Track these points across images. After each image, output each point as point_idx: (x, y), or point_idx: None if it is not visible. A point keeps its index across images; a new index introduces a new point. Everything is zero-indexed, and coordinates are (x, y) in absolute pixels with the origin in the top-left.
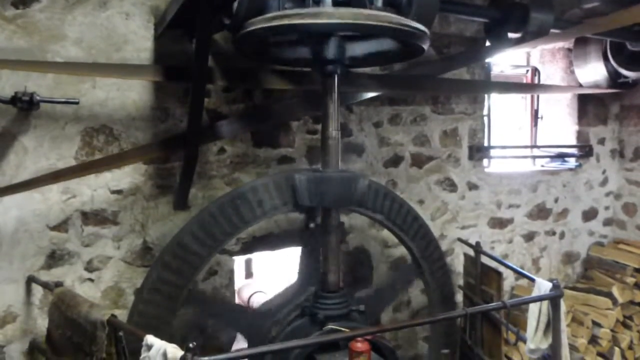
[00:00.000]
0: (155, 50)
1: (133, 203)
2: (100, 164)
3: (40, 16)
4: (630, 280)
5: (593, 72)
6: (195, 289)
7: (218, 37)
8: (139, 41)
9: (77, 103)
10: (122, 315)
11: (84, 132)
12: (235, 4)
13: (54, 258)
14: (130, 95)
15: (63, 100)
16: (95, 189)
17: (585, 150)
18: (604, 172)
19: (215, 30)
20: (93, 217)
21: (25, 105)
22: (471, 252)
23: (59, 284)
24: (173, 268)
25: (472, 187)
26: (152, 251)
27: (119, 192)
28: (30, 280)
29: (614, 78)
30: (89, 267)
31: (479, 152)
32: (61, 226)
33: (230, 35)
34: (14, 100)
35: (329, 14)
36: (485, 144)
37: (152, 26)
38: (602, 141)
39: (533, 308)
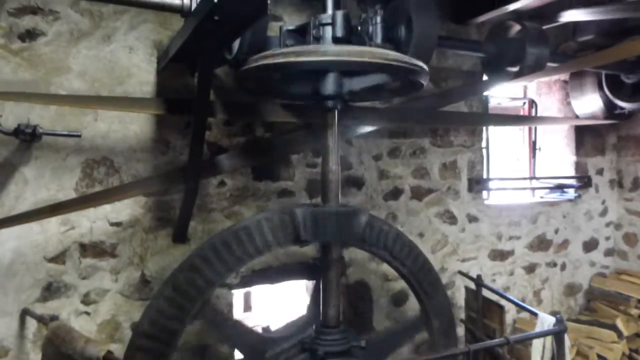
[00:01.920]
0: (158, 84)
1: (132, 235)
2: (100, 197)
3: (46, 49)
4: (635, 312)
5: (589, 103)
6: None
7: (219, 71)
8: (141, 74)
9: (79, 136)
10: (118, 350)
11: (84, 164)
12: (238, 41)
13: (50, 290)
14: (132, 127)
15: (65, 132)
16: (94, 220)
17: (584, 181)
18: (603, 202)
19: (217, 65)
20: (91, 249)
21: (27, 138)
22: (472, 285)
23: (54, 318)
24: (172, 302)
25: (472, 219)
26: (150, 284)
27: (118, 224)
28: (25, 314)
29: (610, 109)
30: (86, 300)
31: (478, 184)
32: (59, 258)
33: (232, 70)
34: (17, 132)
35: (323, 52)
36: (485, 176)
37: (155, 60)
38: (600, 171)
39: (537, 343)
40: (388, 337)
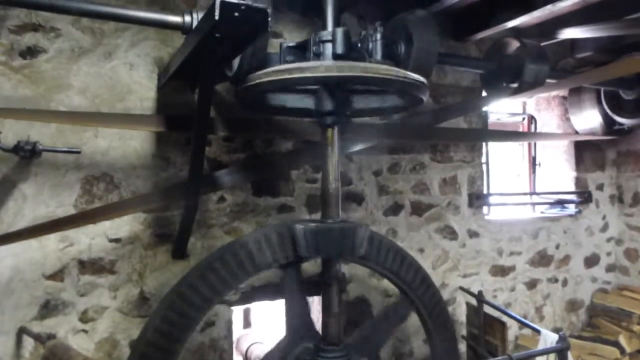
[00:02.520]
0: (158, 100)
1: (131, 252)
2: (100, 213)
3: (47, 66)
4: (637, 328)
5: (588, 119)
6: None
7: (220, 87)
8: (142, 91)
9: (79, 152)
10: None
11: (84, 180)
12: (238, 58)
13: (48, 308)
14: (132, 143)
15: (65, 149)
16: (93, 237)
17: (584, 196)
18: (604, 217)
19: (217, 81)
20: (90, 265)
21: (27, 154)
22: (473, 301)
23: (51, 336)
24: (171, 319)
25: (473, 234)
26: (149, 301)
27: (117, 240)
28: (22, 332)
29: (609, 125)
30: (84, 318)
31: (478, 199)
32: (57, 275)
33: (232, 87)
34: (16, 149)
35: (325, 68)
36: (485, 191)
37: (156, 76)
38: (600, 187)
39: None
40: (374, 330)
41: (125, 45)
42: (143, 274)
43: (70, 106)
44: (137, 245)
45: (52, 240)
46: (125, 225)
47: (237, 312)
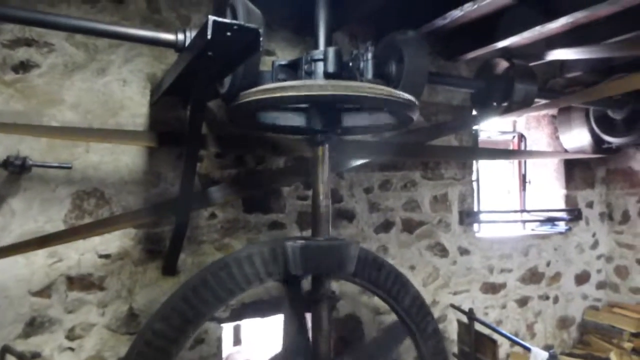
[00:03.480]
0: (151, 116)
1: (121, 268)
2: (90, 228)
3: (39, 81)
4: (628, 345)
5: (577, 138)
6: None
7: (212, 104)
8: (135, 107)
9: (69, 168)
10: None
11: (74, 195)
12: (231, 75)
13: (34, 326)
14: (124, 159)
15: (56, 164)
16: (82, 252)
17: (574, 214)
18: (594, 235)
19: (210, 98)
20: (78, 282)
21: (16, 170)
22: (464, 319)
23: (35, 355)
24: (161, 336)
25: (464, 252)
26: (138, 318)
27: (106, 256)
28: (5, 351)
29: (598, 143)
30: (70, 335)
31: (469, 217)
32: (44, 291)
33: (224, 104)
34: (6, 164)
35: (318, 87)
36: (475, 208)
37: (149, 92)
38: (590, 204)
39: None
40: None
41: (118, 61)
42: (132, 290)
43: (62, 121)
44: (127, 261)
45: (40, 256)
46: (115, 241)
47: (227, 329)
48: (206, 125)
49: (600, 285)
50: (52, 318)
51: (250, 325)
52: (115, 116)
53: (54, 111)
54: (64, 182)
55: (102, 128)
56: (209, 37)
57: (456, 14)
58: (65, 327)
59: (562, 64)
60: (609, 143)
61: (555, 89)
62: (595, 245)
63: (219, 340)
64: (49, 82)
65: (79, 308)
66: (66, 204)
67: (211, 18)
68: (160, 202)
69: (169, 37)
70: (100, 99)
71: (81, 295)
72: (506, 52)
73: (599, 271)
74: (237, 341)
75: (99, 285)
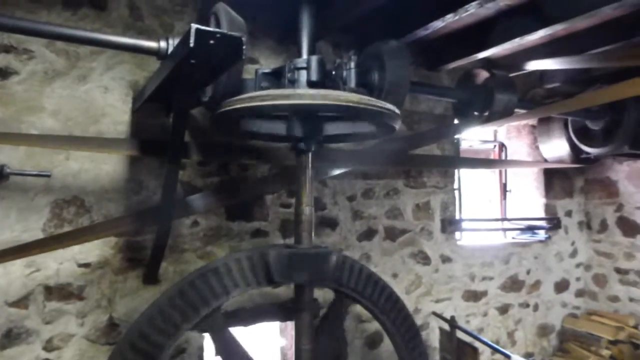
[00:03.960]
0: (133, 123)
1: (101, 277)
2: (69, 237)
3: (18, 88)
4: (606, 352)
5: (556, 148)
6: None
7: (195, 111)
8: (116, 114)
9: (48, 176)
10: None
11: (54, 204)
12: (214, 84)
13: (10, 337)
14: (105, 167)
15: (35, 172)
16: (61, 262)
17: (553, 223)
18: (572, 243)
19: (192, 106)
20: (57, 291)
21: None
22: (446, 327)
23: None
24: (140, 347)
25: (446, 259)
26: (118, 328)
27: (86, 265)
28: None
29: (576, 154)
30: (48, 347)
31: (451, 225)
32: (21, 302)
33: (207, 111)
34: None
35: (298, 96)
36: (457, 216)
37: (131, 100)
38: (569, 213)
39: None
40: None
41: (100, 68)
42: (113, 299)
43: (42, 128)
44: (107, 270)
45: (17, 266)
46: (95, 249)
47: (209, 338)
48: (189, 133)
49: (579, 294)
50: (30, 329)
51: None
52: (97, 123)
53: (34, 119)
54: (43, 190)
55: (83, 136)
56: (191, 45)
57: (438, 24)
58: (43, 338)
59: (542, 75)
60: (587, 153)
61: (535, 100)
62: (574, 253)
63: (200, 350)
64: (28, 89)
65: (57, 318)
66: (45, 213)
67: (194, 26)
68: (142, 210)
69: (151, 44)
70: (81, 106)
71: (60, 305)
72: (487, 63)
73: (577, 279)
74: None
75: (78, 295)
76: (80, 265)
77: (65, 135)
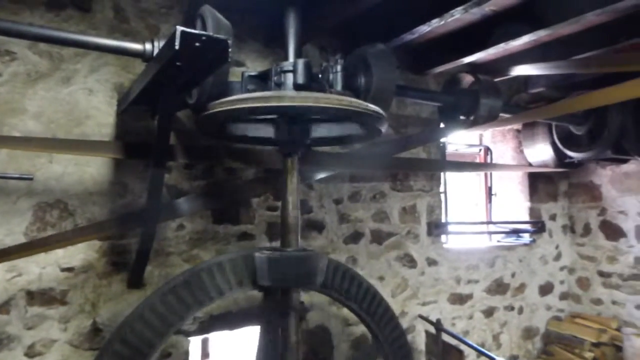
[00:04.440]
0: (117, 126)
1: (84, 281)
2: (52, 241)
3: (0, 90)
4: (589, 355)
5: (541, 152)
6: None
7: (181, 114)
8: (101, 116)
9: (31, 179)
10: None
11: (36, 207)
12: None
13: None
14: (89, 170)
15: (17, 176)
16: (44, 266)
17: (538, 226)
18: (557, 247)
19: (178, 109)
20: (39, 296)
21: None
22: (432, 330)
23: None
24: (124, 352)
25: (432, 262)
26: (102, 332)
27: (70, 269)
28: None
29: (560, 158)
30: (30, 352)
31: (437, 228)
32: (2, 307)
33: (193, 114)
34: None
35: (283, 98)
36: (443, 220)
37: (115, 102)
38: (553, 217)
39: None
40: None
41: (84, 70)
42: (96, 304)
43: (24, 131)
44: (91, 274)
45: None
46: (79, 253)
47: (195, 342)
48: (175, 135)
49: (563, 296)
50: (11, 335)
51: (218, 338)
52: (81, 126)
53: (15, 121)
54: (25, 193)
55: (66, 138)
56: (177, 47)
57: (424, 29)
58: (25, 343)
59: (526, 80)
60: (571, 158)
61: (520, 104)
62: (558, 257)
63: (186, 354)
64: (10, 91)
65: (39, 324)
66: (27, 216)
67: (179, 28)
68: (127, 213)
69: (136, 46)
70: (64, 108)
71: (42, 310)
72: (473, 67)
73: (561, 282)
74: (205, 355)
75: (61, 299)
76: (63, 270)
77: (48, 137)
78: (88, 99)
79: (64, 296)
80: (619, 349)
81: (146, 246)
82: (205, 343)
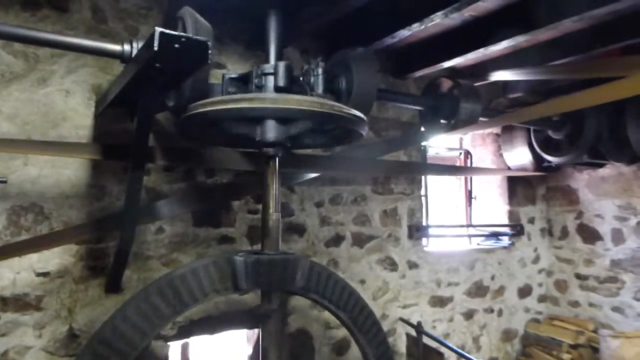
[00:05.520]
0: (95, 128)
1: (60, 286)
2: (26, 245)
3: None
4: (567, 356)
5: (519, 156)
6: None
7: (160, 116)
8: (78, 118)
9: (4, 182)
10: None
11: (10, 211)
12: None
13: None
14: (66, 172)
15: None
16: (18, 271)
17: (517, 229)
18: (535, 249)
19: (157, 111)
20: (13, 302)
21: None
22: (413, 332)
23: None
24: (103, 357)
25: (413, 265)
26: (78, 339)
27: (45, 274)
28: None
29: (538, 162)
30: None
31: (418, 231)
32: None
33: (173, 115)
34: None
35: (261, 100)
36: (424, 223)
37: (93, 104)
38: (532, 220)
39: None
40: None
41: (61, 71)
42: (73, 309)
43: None
44: (67, 279)
45: None
46: (54, 258)
47: (175, 347)
48: (154, 137)
49: (542, 299)
50: None
51: (199, 344)
52: (57, 128)
53: None
54: None
55: (41, 140)
56: (156, 48)
57: (404, 33)
58: None
59: (505, 85)
60: (549, 162)
61: (499, 109)
62: (536, 259)
63: (165, 359)
64: None
65: (13, 330)
66: (1, 220)
67: (158, 29)
68: (105, 216)
69: (114, 47)
70: (40, 110)
71: (16, 316)
72: (453, 72)
73: (540, 285)
74: None
75: (36, 305)
76: (38, 275)
77: (23, 139)
78: (65, 100)
79: (39, 302)
80: (596, 350)
81: (124, 250)
82: (185, 348)
